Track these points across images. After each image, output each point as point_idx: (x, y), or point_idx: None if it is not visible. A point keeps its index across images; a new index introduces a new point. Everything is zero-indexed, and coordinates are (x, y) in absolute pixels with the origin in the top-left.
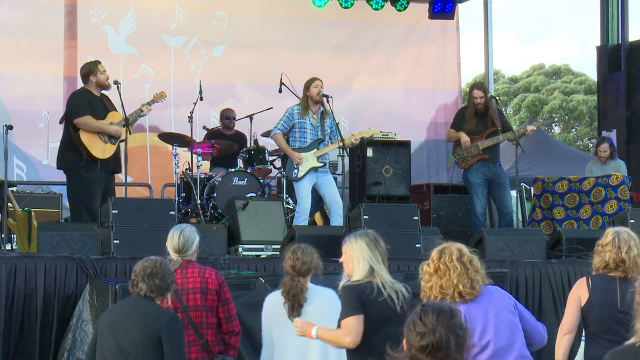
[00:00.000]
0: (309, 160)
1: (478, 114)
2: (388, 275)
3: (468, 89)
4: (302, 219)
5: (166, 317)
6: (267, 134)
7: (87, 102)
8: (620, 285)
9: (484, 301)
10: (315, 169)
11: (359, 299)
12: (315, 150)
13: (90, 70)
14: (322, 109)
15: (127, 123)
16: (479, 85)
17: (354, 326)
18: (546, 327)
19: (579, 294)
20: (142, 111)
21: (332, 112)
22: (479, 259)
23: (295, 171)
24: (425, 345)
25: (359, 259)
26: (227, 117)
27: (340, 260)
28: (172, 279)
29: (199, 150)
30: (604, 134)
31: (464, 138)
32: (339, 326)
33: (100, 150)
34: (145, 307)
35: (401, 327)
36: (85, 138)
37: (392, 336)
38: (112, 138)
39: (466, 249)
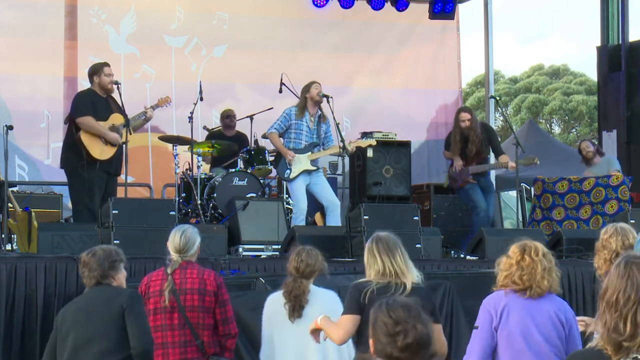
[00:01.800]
0: (301, 162)
1: (464, 136)
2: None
3: (467, 89)
4: (299, 219)
5: (125, 293)
6: (265, 134)
7: (90, 102)
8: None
9: (534, 302)
10: (307, 172)
11: (359, 299)
12: (310, 153)
13: (95, 70)
14: (319, 112)
15: (127, 124)
16: (466, 108)
17: (346, 325)
18: None
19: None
20: (146, 113)
21: (332, 113)
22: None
23: (287, 171)
24: (410, 342)
25: (369, 261)
26: (227, 116)
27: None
28: (116, 257)
29: (199, 150)
30: (604, 134)
31: (457, 162)
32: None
33: (99, 150)
34: (102, 291)
35: None
36: (85, 138)
37: None
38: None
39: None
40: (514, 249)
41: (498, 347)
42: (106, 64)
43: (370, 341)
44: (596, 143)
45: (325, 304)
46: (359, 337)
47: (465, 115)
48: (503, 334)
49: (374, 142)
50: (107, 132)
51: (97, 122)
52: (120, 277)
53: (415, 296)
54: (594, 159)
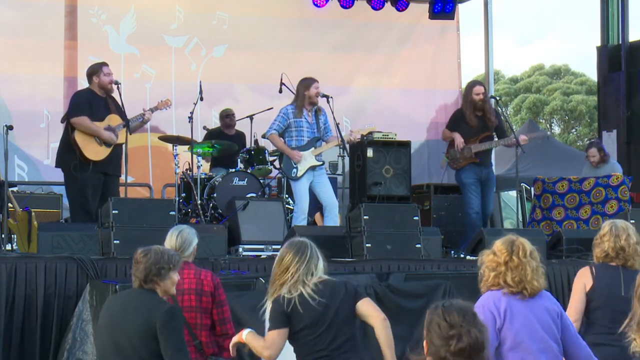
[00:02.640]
0: (307, 159)
1: (477, 110)
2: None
3: (464, 89)
4: (300, 218)
5: (162, 310)
6: (265, 135)
7: (87, 102)
8: (623, 273)
9: (531, 300)
10: (313, 168)
11: (283, 312)
12: (313, 148)
13: (94, 70)
14: (315, 106)
15: (127, 124)
16: (479, 82)
17: (275, 340)
18: None
19: (584, 280)
20: (144, 116)
21: (332, 113)
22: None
23: (294, 170)
24: (463, 347)
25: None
26: (227, 115)
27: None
28: (165, 264)
29: (199, 151)
30: (604, 134)
31: (458, 139)
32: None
33: (93, 151)
34: (141, 296)
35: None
36: (79, 138)
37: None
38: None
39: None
40: (500, 248)
41: (502, 348)
42: (105, 64)
43: (424, 342)
44: (603, 148)
45: None
46: (295, 347)
47: (480, 89)
48: (508, 335)
49: (374, 128)
50: (102, 131)
51: (92, 122)
52: (167, 284)
53: (327, 287)
54: (598, 164)
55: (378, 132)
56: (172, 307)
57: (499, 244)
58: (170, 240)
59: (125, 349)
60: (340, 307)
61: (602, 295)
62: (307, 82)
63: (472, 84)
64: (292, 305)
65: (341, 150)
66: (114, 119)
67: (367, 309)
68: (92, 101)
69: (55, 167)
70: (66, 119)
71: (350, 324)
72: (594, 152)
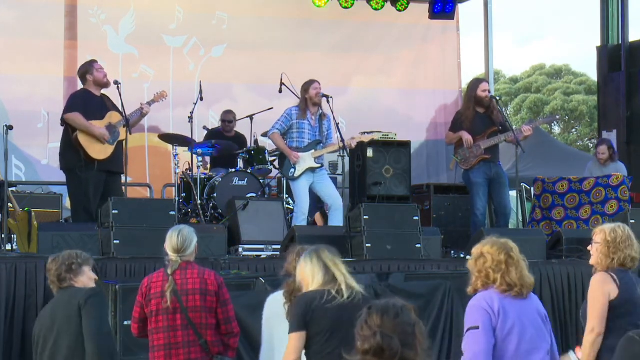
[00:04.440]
0: (306, 160)
1: (482, 107)
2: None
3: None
4: (300, 219)
5: (84, 292)
6: (266, 134)
7: (81, 101)
8: (633, 276)
9: (522, 301)
10: (312, 170)
11: (303, 314)
12: (313, 151)
13: (86, 69)
14: (320, 110)
15: (127, 123)
16: (484, 79)
17: (295, 344)
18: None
19: (607, 289)
20: (142, 109)
21: (332, 113)
22: None
23: (292, 170)
24: (367, 349)
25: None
26: (224, 120)
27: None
28: (74, 259)
29: (199, 150)
30: (604, 134)
31: (466, 136)
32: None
33: (97, 150)
34: (65, 294)
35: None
36: (82, 138)
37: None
38: (110, 138)
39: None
40: (491, 249)
41: (495, 347)
42: (94, 61)
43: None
44: (613, 147)
45: None
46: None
47: (487, 85)
48: (500, 335)
49: (375, 136)
50: (94, 128)
51: (84, 119)
52: (84, 280)
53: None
54: (606, 162)
55: (378, 132)
56: (95, 288)
57: (488, 247)
58: (171, 241)
59: (62, 342)
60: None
61: (628, 302)
62: (307, 84)
63: (478, 81)
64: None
65: (341, 150)
66: (114, 116)
67: None
68: (88, 100)
69: (60, 168)
70: (61, 117)
71: None
72: (604, 149)
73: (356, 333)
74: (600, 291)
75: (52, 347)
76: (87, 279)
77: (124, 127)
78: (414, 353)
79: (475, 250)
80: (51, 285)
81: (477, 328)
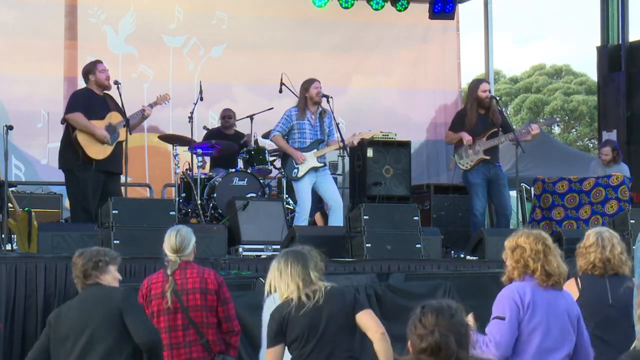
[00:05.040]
0: (308, 160)
1: (482, 107)
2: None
3: (467, 89)
4: (302, 219)
5: (119, 294)
6: (266, 135)
7: (83, 100)
8: (609, 281)
9: (553, 298)
10: (315, 169)
11: (277, 328)
12: (315, 150)
13: (89, 69)
14: (320, 108)
15: (127, 124)
16: (485, 79)
17: (271, 358)
18: None
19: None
20: (144, 112)
21: (332, 112)
22: None
23: (295, 170)
24: (424, 347)
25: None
26: (224, 116)
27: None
28: (102, 257)
29: (199, 150)
30: (604, 134)
31: (466, 137)
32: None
33: (95, 150)
34: (94, 292)
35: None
36: (81, 138)
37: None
38: (110, 138)
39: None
40: (527, 239)
41: (518, 340)
42: (99, 61)
43: (408, 342)
44: (617, 148)
45: None
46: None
47: (487, 86)
48: (525, 330)
49: (378, 133)
50: (95, 129)
51: (86, 119)
52: (108, 279)
53: (332, 299)
54: (609, 163)
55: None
56: (127, 289)
57: (524, 237)
58: (170, 240)
59: (98, 343)
60: (334, 317)
61: (589, 306)
62: (307, 84)
63: (479, 82)
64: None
65: (341, 150)
66: (114, 117)
67: (367, 321)
68: (89, 99)
69: (59, 168)
70: (63, 117)
71: (346, 336)
72: (607, 150)
73: (409, 332)
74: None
75: (84, 347)
76: (112, 278)
77: (124, 127)
78: (467, 353)
79: (509, 242)
80: (75, 280)
81: (503, 319)
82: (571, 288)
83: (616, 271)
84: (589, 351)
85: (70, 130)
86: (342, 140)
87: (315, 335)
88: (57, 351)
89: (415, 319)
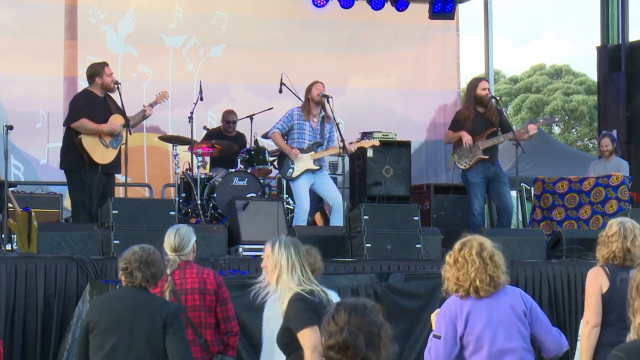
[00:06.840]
0: (304, 161)
1: (481, 106)
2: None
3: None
4: (300, 219)
5: (170, 309)
6: (266, 135)
7: (85, 104)
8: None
9: (493, 301)
10: (311, 171)
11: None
12: (313, 152)
13: (96, 71)
14: (322, 113)
15: (127, 124)
16: (484, 78)
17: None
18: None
19: (600, 282)
20: (145, 111)
21: (333, 113)
22: (501, 255)
23: (290, 170)
24: (332, 344)
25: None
26: (227, 120)
27: (263, 265)
28: (165, 266)
29: (199, 151)
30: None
31: (466, 137)
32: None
33: (101, 154)
34: (144, 297)
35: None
36: (86, 143)
37: None
38: (114, 141)
39: (489, 243)
40: (454, 247)
41: (465, 352)
42: (105, 64)
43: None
44: (615, 140)
45: None
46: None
47: (486, 84)
48: (470, 341)
49: (377, 143)
50: (103, 127)
51: (93, 123)
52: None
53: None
54: (609, 157)
55: (378, 132)
56: (179, 306)
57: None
58: (169, 240)
59: (135, 346)
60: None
61: (618, 296)
62: (310, 85)
63: (478, 80)
64: None
65: (341, 150)
66: (117, 119)
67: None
68: (91, 102)
69: (60, 168)
70: (67, 123)
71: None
72: (607, 142)
73: (322, 328)
74: (592, 285)
75: (114, 344)
76: (159, 290)
77: (124, 127)
78: (376, 355)
79: (447, 257)
80: (120, 272)
81: (439, 338)
82: (601, 276)
83: (635, 263)
84: (553, 333)
85: (73, 134)
86: (342, 140)
87: None
88: (82, 342)
89: (329, 316)
